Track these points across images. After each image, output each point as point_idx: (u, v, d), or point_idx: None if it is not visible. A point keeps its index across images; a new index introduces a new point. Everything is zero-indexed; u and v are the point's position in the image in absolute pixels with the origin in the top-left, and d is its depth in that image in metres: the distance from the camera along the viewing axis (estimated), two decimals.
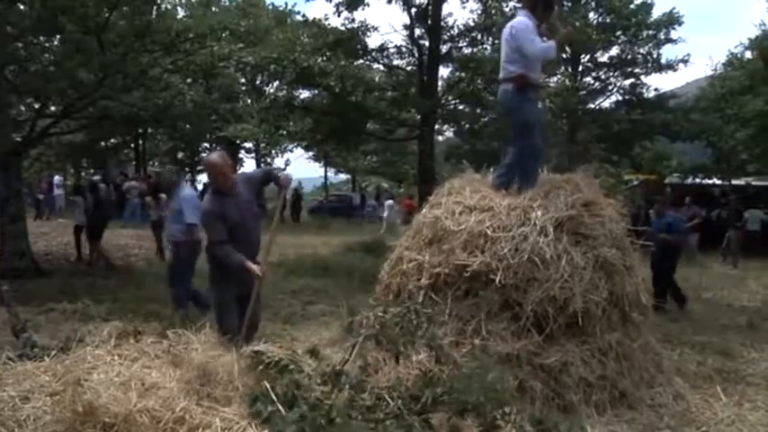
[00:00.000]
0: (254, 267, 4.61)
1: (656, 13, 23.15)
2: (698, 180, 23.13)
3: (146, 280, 9.89)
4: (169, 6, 14.54)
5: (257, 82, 29.49)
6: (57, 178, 22.82)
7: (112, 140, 30.18)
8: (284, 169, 36.85)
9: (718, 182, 23.24)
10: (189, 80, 22.88)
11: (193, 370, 3.48)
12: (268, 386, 3.29)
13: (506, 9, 15.62)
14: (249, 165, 36.76)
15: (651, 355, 4.97)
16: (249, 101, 28.71)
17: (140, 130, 29.06)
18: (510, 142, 5.46)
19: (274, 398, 3.21)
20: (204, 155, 36.25)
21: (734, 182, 22.18)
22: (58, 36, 12.18)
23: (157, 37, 11.80)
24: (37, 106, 12.93)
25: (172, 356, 3.75)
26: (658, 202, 16.64)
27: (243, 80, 30.09)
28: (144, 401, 3.07)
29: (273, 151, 36.71)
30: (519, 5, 5.81)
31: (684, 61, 23.67)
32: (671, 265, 8.72)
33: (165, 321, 6.66)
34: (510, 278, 4.36)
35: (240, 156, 35.38)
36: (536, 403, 4.14)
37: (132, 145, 32.12)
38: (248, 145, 33.74)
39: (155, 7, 12.22)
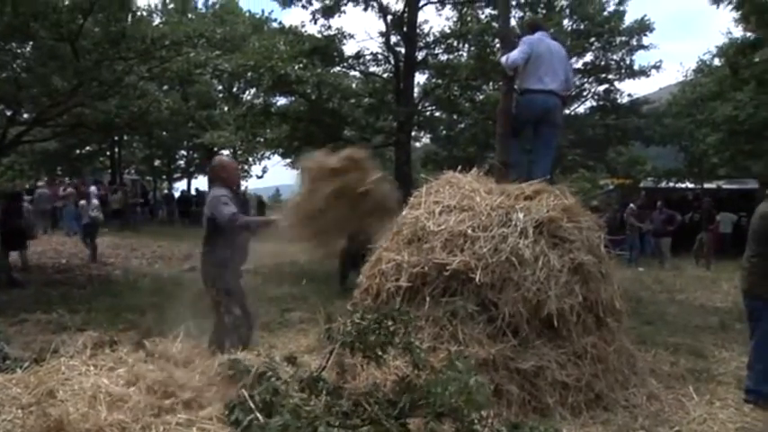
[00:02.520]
0: (268, 219, 5.26)
1: (629, 20, 23.49)
2: (671, 184, 23.45)
3: (123, 289, 9.80)
4: (144, 13, 14.41)
5: (234, 89, 29.34)
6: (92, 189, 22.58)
7: (87, 148, 29.79)
8: (261, 177, 36.89)
9: (690, 186, 23.61)
10: (165, 87, 22.79)
11: (165, 379, 3.48)
12: (246, 394, 3.29)
13: (482, 16, 15.77)
14: None
15: (626, 357, 5.04)
16: (226, 108, 28.55)
17: (116, 138, 28.76)
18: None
19: (252, 405, 3.20)
20: (181, 162, 36.02)
21: (706, 185, 22.54)
22: (31, 42, 12.06)
23: (132, 44, 11.74)
24: (9, 113, 12.77)
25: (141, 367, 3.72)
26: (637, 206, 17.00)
27: (219, 87, 29.92)
28: (114, 415, 3.04)
29: (251, 158, 36.54)
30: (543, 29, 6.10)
31: (656, 67, 24.01)
32: None
33: (142, 330, 6.66)
34: (487, 277, 4.41)
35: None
36: (512, 407, 4.17)
37: (108, 153, 31.74)
38: (225, 152, 33.50)
39: (130, 14, 12.15)
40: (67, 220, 18.42)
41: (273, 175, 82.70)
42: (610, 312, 4.89)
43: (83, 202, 13.91)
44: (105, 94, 12.05)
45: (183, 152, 34.73)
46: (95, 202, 14.35)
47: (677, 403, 4.80)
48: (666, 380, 5.34)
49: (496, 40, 12.09)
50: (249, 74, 13.70)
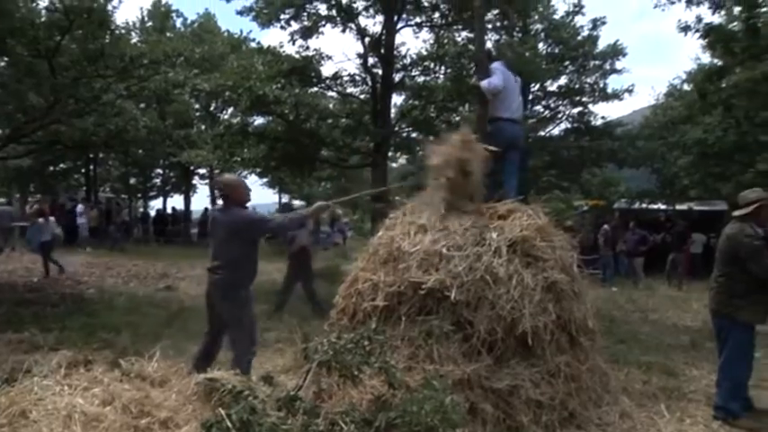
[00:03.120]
0: (313, 209, 5.51)
1: (602, 44, 24.05)
2: (644, 205, 23.83)
3: (97, 308, 9.68)
4: (123, 31, 14.38)
5: (212, 108, 29.31)
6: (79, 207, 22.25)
7: (62, 165, 29.47)
8: None
9: (663, 207, 24.02)
10: (142, 106, 22.71)
11: (141, 399, 3.48)
12: (223, 413, 3.30)
13: (459, 39, 16.01)
14: (203, 191, 36.35)
15: (599, 375, 5.11)
16: (203, 127, 28.47)
17: (91, 155, 28.51)
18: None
19: (229, 425, 3.21)
20: (156, 180, 35.73)
21: (678, 207, 22.96)
22: (6, 59, 11.98)
23: (111, 62, 11.72)
24: None
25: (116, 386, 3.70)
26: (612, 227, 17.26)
27: (197, 106, 29.86)
28: None
29: None
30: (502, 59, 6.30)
31: (629, 91, 24.59)
32: None
33: (118, 349, 6.59)
34: (463, 295, 4.47)
35: (194, 182, 34.95)
36: (487, 425, 4.21)
37: (83, 170, 31.41)
38: (202, 171, 33.39)
39: (108, 32, 12.13)
40: (29, 238, 18.21)
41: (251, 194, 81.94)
42: (583, 331, 4.96)
43: (41, 219, 13.75)
44: (82, 111, 11.99)
45: (159, 170, 34.49)
46: (52, 219, 14.28)
47: (649, 421, 4.89)
48: (639, 398, 5.44)
49: (473, 63, 12.28)
50: (227, 93, 13.73)
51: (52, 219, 14.29)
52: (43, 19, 10.86)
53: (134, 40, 16.22)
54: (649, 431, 4.68)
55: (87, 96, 11.36)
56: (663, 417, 4.97)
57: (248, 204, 5.54)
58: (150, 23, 29.38)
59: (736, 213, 5.20)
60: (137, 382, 4.00)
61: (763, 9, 13.23)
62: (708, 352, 7.25)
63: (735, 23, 15.27)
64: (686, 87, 24.38)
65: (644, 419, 4.89)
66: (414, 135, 17.68)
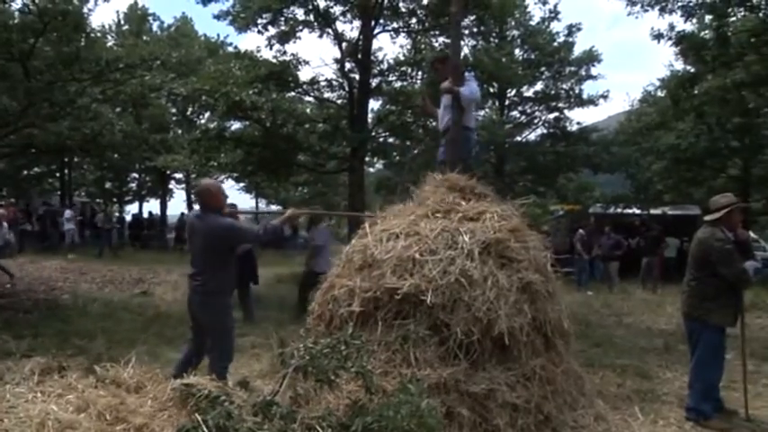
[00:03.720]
0: (286, 214, 5.50)
1: (577, 51, 24.37)
2: (619, 210, 24.15)
3: (71, 314, 9.55)
4: (99, 35, 14.23)
5: (188, 113, 29.13)
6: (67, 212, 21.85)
7: (36, 169, 29.07)
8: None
9: (637, 211, 24.37)
10: (118, 110, 22.49)
11: (116, 405, 3.45)
12: (199, 419, 3.28)
13: (435, 44, 16.11)
14: (179, 195, 36.13)
15: (574, 379, 5.16)
16: (180, 132, 28.29)
17: (66, 159, 28.15)
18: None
19: (205, 430, 3.19)
20: (132, 185, 35.37)
21: (652, 211, 23.29)
22: None
23: (86, 65, 11.60)
24: None
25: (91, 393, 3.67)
26: (587, 231, 17.43)
27: (174, 111, 29.65)
28: None
29: None
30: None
31: (604, 97, 24.97)
32: None
33: (92, 356, 6.52)
34: (438, 298, 4.50)
35: (170, 187, 34.65)
36: (463, 429, 4.23)
37: (57, 174, 30.99)
38: (179, 176, 33.15)
39: (84, 35, 11.99)
40: None
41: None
42: (558, 332, 5.01)
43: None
44: (57, 115, 11.82)
45: (135, 175, 34.17)
46: (5, 224, 14.12)
47: (623, 423, 4.96)
48: (613, 401, 5.51)
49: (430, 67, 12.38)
50: (204, 98, 13.67)
51: (5, 225, 14.12)
52: (16, 21, 10.70)
53: (110, 44, 16.09)
54: None
55: (62, 100, 11.21)
56: (637, 419, 5.04)
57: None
58: (127, 27, 29.15)
59: (708, 218, 5.30)
60: (112, 388, 3.96)
61: (732, 18, 13.52)
62: (681, 354, 7.36)
63: (706, 32, 15.60)
64: (660, 94, 24.79)
65: (618, 422, 4.95)
66: (391, 140, 17.74)
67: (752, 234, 13.51)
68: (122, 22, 29.74)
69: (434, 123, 16.70)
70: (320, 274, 9.49)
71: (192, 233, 5.24)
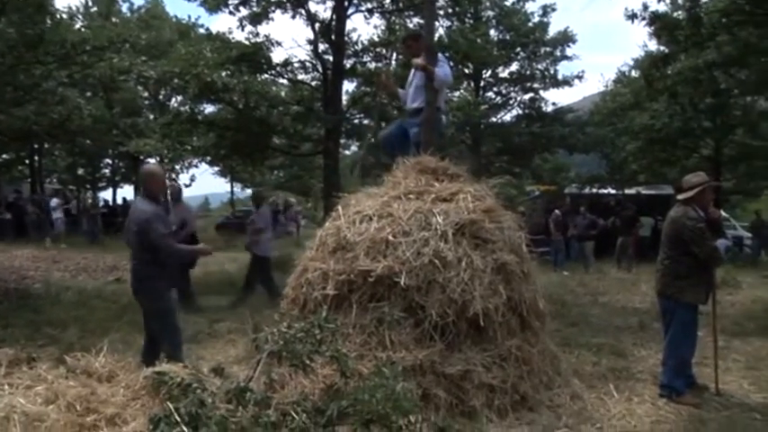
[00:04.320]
0: (206, 248, 5.37)
1: (552, 31, 24.38)
2: (594, 190, 24.36)
3: (43, 303, 9.37)
4: (65, 16, 13.87)
5: (160, 96, 28.66)
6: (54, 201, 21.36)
7: (5, 156, 28.42)
8: (189, 185, 36.23)
9: (612, 191, 24.62)
10: (88, 94, 22.05)
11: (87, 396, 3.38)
12: (171, 407, 3.22)
13: (410, 25, 15.96)
14: None
15: (550, 358, 5.20)
16: (152, 116, 27.83)
17: (36, 146, 27.56)
18: None
19: (178, 418, 3.14)
20: (105, 171, 34.82)
21: (627, 191, 23.54)
22: None
23: (51, 48, 11.27)
24: None
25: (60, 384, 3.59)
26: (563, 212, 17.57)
27: (145, 94, 29.16)
28: None
29: (177, 167, 35.71)
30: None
31: (579, 77, 25.04)
32: None
33: (64, 345, 6.40)
34: (412, 280, 4.48)
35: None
36: (440, 411, 4.23)
37: (27, 161, 30.34)
38: (151, 160, 32.66)
39: (48, 17, 11.65)
40: None
41: (202, 183, 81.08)
42: (533, 313, 5.03)
43: None
44: (21, 99, 11.50)
45: (108, 161, 33.61)
46: None
47: (599, 401, 4.99)
48: (589, 379, 5.54)
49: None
50: (175, 81, 13.43)
51: None
52: None
53: (78, 26, 15.68)
54: (599, 411, 4.76)
55: (26, 84, 10.91)
56: (612, 397, 5.07)
57: (202, 194, 5.47)
58: (95, 9, 28.45)
59: (680, 197, 5.32)
60: (82, 378, 3.89)
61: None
62: (655, 332, 7.43)
63: (679, 12, 15.67)
64: (634, 74, 24.95)
65: (594, 400, 4.98)
66: (365, 122, 17.62)
67: (722, 213, 13.70)
68: (90, 3, 29.03)
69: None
70: (261, 257, 9.46)
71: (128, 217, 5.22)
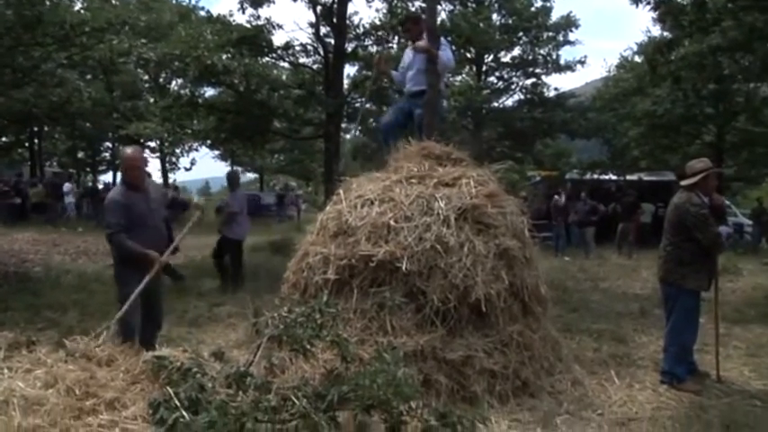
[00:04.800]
0: (152, 253, 4.76)
1: (555, 16, 24.23)
2: (595, 176, 24.29)
3: (43, 286, 9.35)
4: None
5: (160, 79, 28.52)
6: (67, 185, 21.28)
7: (4, 139, 28.32)
8: (189, 169, 36.04)
9: (614, 177, 24.55)
10: (88, 77, 21.90)
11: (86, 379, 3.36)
12: (171, 391, 3.20)
13: (412, 8, 15.81)
14: (154, 164, 35.62)
15: (551, 344, 5.17)
16: (152, 99, 27.72)
17: (35, 129, 27.45)
18: None
19: (177, 403, 3.12)
20: (105, 154, 34.74)
21: (628, 177, 23.47)
22: None
23: (50, 29, 11.13)
24: None
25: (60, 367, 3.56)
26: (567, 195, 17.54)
27: (145, 77, 29.02)
28: (28, 420, 2.89)
29: (178, 150, 35.64)
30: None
31: (582, 62, 24.92)
32: None
33: (64, 329, 6.38)
34: (414, 265, 4.45)
35: (144, 155, 34.10)
36: (441, 396, 4.22)
37: (27, 144, 30.24)
38: (152, 144, 32.60)
39: None
40: None
41: (202, 167, 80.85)
42: (535, 298, 5.01)
43: None
44: (20, 81, 11.39)
45: (108, 144, 33.52)
46: None
47: (600, 388, 4.97)
48: (590, 365, 5.53)
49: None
50: (175, 63, 13.33)
51: None
52: None
53: (77, 7, 15.52)
54: (600, 397, 4.75)
55: (25, 66, 10.79)
56: (613, 383, 5.06)
57: (202, 178, 5.37)
58: None
59: (684, 183, 5.27)
60: (82, 362, 3.86)
61: None
62: (656, 319, 7.42)
63: None
64: (637, 59, 24.77)
65: (595, 386, 4.97)
66: (367, 106, 17.53)
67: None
68: None
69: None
70: (235, 240, 9.35)
71: None
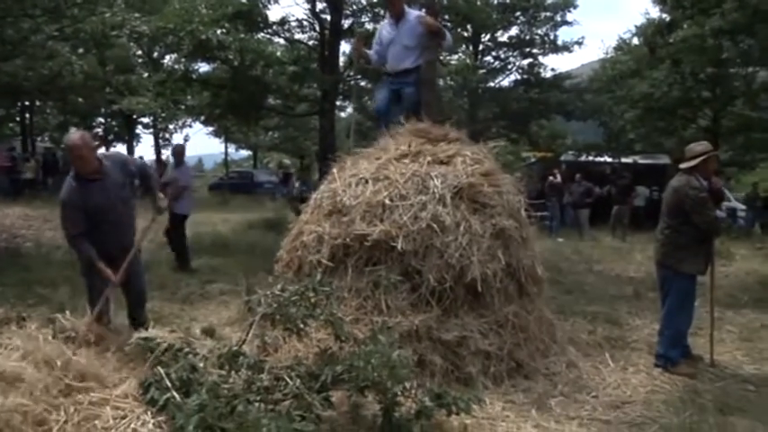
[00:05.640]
0: (107, 272, 4.30)
1: None
2: (591, 158, 24.23)
3: (33, 263, 9.26)
4: None
5: (154, 54, 28.19)
6: None
7: None
8: (184, 144, 35.80)
9: (609, 160, 24.50)
10: (80, 50, 21.57)
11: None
12: (162, 371, 3.15)
13: None
14: (147, 140, 35.47)
15: (546, 326, 5.15)
16: (145, 74, 27.41)
17: (26, 103, 27.11)
18: None
19: (169, 384, 3.07)
20: (98, 130, 34.41)
21: (623, 160, 23.43)
22: None
23: (39, 1, 10.90)
24: None
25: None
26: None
27: (139, 52, 28.68)
28: (11, 398, 2.81)
29: (171, 126, 35.36)
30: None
31: (579, 43, 24.77)
32: None
33: (54, 306, 6.31)
34: (409, 245, 4.40)
35: (137, 131, 33.81)
36: (436, 377, 4.18)
37: (18, 118, 29.90)
38: (145, 120, 32.33)
39: None
40: None
41: (196, 143, 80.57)
42: (531, 279, 4.97)
43: None
44: (9, 54, 11.17)
45: (101, 119, 33.19)
46: None
47: (594, 370, 4.95)
48: (584, 348, 5.50)
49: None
50: (169, 38, 13.15)
51: None
52: None
53: None
54: (594, 380, 4.73)
55: (15, 37, 10.57)
56: (607, 366, 5.04)
57: (196, 155, 5.11)
58: None
59: (683, 166, 5.22)
60: (71, 340, 3.80)
61: None
62: (650, 302, 7.42)
63: None
64: (635, 41, 24.61)
65: (589, 369, 4.95)
66: (362, 83, 17.37)
67: None
68: None
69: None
70: (180, 215, 9.20)
71: None
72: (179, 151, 9.73)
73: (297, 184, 27.54)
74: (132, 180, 4.74)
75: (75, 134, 4.48)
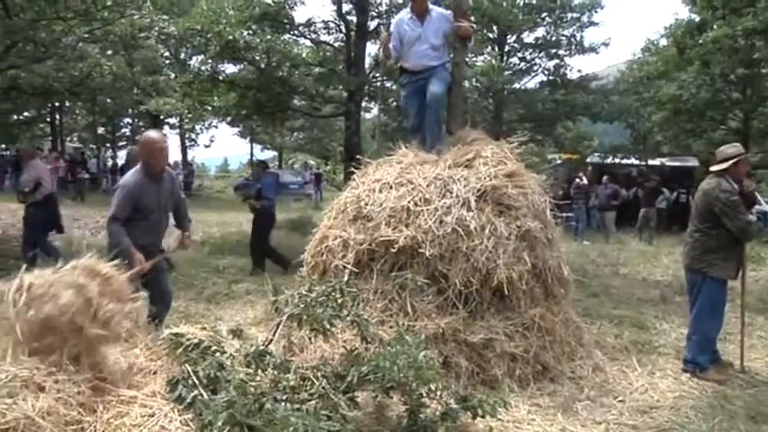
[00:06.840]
0: (138, 255, 4.35)
1: None
2: (617, 160, 23.94)
3: (63, 260, 9.40)
4: None
5: (181, 55, 28.50)
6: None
7: (25, 114, 28.49)
8: (208, 146, 35.98)
9: (635, 162, 24.17)
10: (109, 52, 21.92)
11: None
12: (189, 369, 3.18)
13: None
14: (173, 141, 35.79)
15: (572, 329, 5.10)
16: (172, 75, 27.70)
17: (56, 104, 27.59)
18: None
19: (196, 381, 3.10)
20: (125, 130, 34.89)
21: (650, 162, 23.11)
22: None
23: (72, 3, 11.10)
24: None
25: None
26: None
27: (166, 53, 29.01)
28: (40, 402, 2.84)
29: (198, 127, 35.70)
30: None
31: (606, 44, 24.44)
32: None
33: None
34: (435, 249, 4.39)
35: (164, 132, 34.22)
36: (461, 379, 4.18)
37: (48, 119, 30.44)
38: (172, 120, 32.70)
39: None
40: None
41: (221, 144, 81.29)
42: (557, 280, 4.93)
43: None
44: (42, 55, 11.40)
45: (128, 120, 33.66)
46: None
47: (621, 374, 4.91)
48: (611, 351, 5.46)
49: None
50: (197, 39, 13.27)
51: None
52: None
53: None
54: (621, 384, 4.69)
55: (47, 40, 10.79)
56: (634, 370, 4.99)
57: (221, 155, 5.21)
58: None
59: (714, 168, 5.14)
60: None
61: None
62: (677, 306, 7.32)
63: None
64: (663, 42, 24.26)
65: (616, 373, 4.91)
66: (388, 85, 17.37)
67: None
68: None
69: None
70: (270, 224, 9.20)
71: None
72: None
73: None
74: (174, 197, 4.97)
75: (156, 132, 4.96)
